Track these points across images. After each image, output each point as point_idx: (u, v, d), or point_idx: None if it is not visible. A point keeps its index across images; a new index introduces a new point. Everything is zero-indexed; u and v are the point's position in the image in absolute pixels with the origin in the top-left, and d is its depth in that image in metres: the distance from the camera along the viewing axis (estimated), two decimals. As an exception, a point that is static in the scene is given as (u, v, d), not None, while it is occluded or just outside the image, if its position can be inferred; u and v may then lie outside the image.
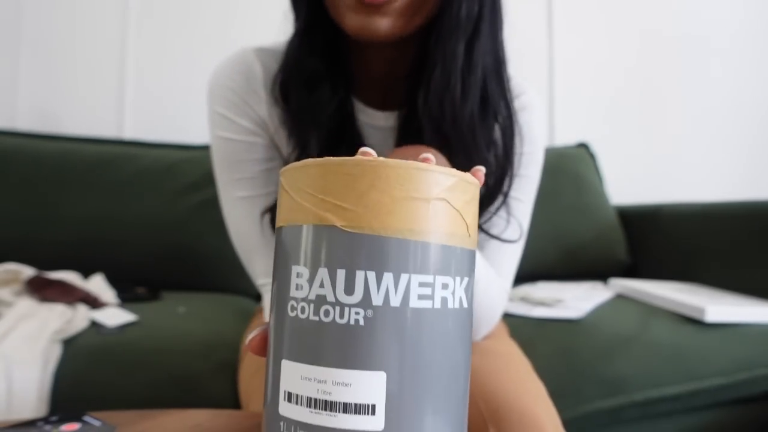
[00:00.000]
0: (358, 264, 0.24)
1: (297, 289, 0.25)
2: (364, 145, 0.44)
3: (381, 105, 0.61)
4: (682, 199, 1.42)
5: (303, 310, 0.24)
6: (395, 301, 0.24)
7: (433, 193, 0.24)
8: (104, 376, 0.74)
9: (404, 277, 0.24)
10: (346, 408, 0.23)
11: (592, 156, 1.55)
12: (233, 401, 0.74)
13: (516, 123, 0.56)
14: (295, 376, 0.24)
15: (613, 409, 0.78)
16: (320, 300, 0.24)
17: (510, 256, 0.61)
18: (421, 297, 0.24)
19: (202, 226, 1.22)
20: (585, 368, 0.81)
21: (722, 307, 0.89)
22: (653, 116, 1.78)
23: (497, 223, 0.58)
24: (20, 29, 1.49)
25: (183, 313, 0.95)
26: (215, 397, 0.74)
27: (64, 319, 0.82)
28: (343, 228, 0.24)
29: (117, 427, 0.40)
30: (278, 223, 0.27)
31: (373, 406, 0.23)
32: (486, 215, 0.56)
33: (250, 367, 0.67)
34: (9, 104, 1.48)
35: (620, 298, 1.11)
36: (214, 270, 1.21)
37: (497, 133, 0.55)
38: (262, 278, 0.61)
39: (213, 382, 0.76)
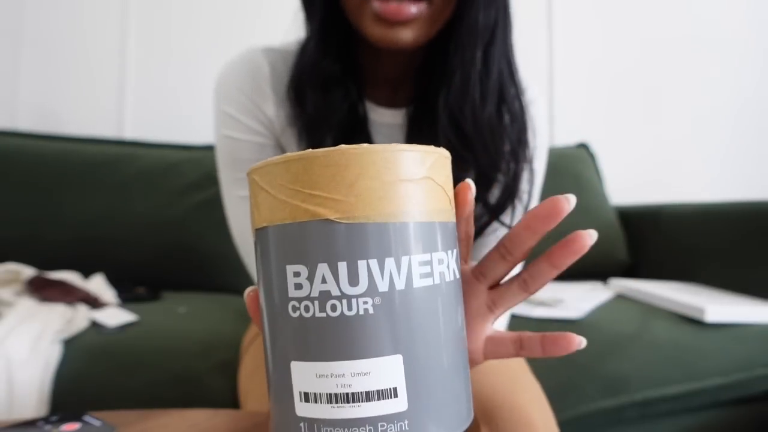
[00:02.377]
0: (359, 254, 0.23)
1: (296, 288, 0.24)
2: (374, 143, 0.44)
3: (390, 102, 0.61)
4: (682, 199, 1.42)
5: (307, 308, 0.24)
6: (400, 284, 0.24)
7: (420, 173, 0.25)
8: (104, 376, 0.74)
9: (405, 260, 0.24)
10: (368, 396, 0.23)
11: (592, 156, 1.55)
12: (233, 401, 0.74)
13: (530, 120, 0.58)
14: (309, 375, 0.24)
15: (613, 409, 0.78)
16: (325, 296, 0.24)
17: None
18: (422, 276, 0.24)
19: (202, 226, 1.22)
20: (585, 368, 0.81)
21: (722, 307, 0.89)
22: (653, 116, 1.78)
23: (509, 216, 0.58)
24: (21, 29, 1.49)
25: (183, 313, 0.95)
26: (215, 397, 0.74)
27: (65, 319, 0.82)
28: (338, 220, 0.23)
29: (117, 427, 0.40)
30: (258, 223, 0.26)
31: (395, 389, 0.23)
32: (506, 210, 0.57)
33: (248, 367, 0.67)
34: (9, 104, 1.48)
35: (620, 298, 1.11)
36: (214, 270, 1.21)
37: (509, 129, 0.57)
38: None
39: (213, 382, 0.76)
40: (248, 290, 0.29)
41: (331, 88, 0.56)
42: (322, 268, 0.24)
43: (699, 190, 1.66)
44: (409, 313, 0.24)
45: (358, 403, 0.23)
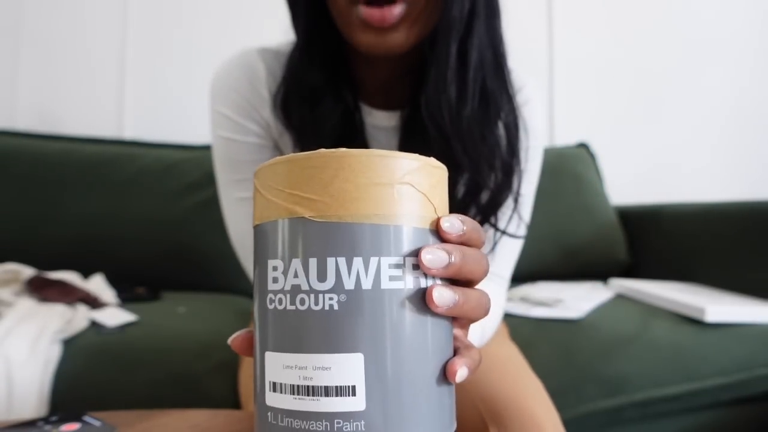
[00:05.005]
0: (328, 251, 0.24)
1: (274, 282, 0.25)
2: (370, 146, 0.44)
3: (384, 105, 0.60)
4: (682, 199, 1.42)
5: (281, 301, 0.25)
6: (366, 284, 0.24)
7: (397, 177, 0.25)
8: (104, 376, 0.74)
9: (374, 261, 0.24)
10: (327, 391, 0.24)
11: (592, 156, 1.55)
12: (233, 401, 0.74)
13: (521, 118, 0.56)
14: (278, 365, 0.25)
15: (613, 409, 0.78)
16: (295, 289, 0.25)
17: (510, 251, 0.61)
18: (392, 278, 0.24)
19: (202, 226, 1.22)
20: (585, 368, 0.81)
21: (722, 307, 0.89)
22: (653, 116, 1.78)
23: (501, 218, 0.58)
24: (20, 29, 1.49)
25: (183, 313, 0.95)
26: (215, 397, 0.74)
27: (64, 319, 0.82)
28: (312, 218, 0.24)
29: (117, 427, 0.40)
30: (254, 222, 0.28)
31: (354, 387, 0.24)
32: (496, 212, 0.56)
33: (249, 367, 0.67)
34: (9, 104, 1.48)
35: (620, 298, 1.11)
36: (214, 270, 1.21)
37: (501, 129, 0.55)
38: None
39: (213, 382, 0.76)
40: (231, 338, 0.29)
41: (317, 101, 0.55)
42: (295, 263, 0.25)
43: (699, 190, 1.66)
44: (374, 314, 0.24)
45: (317, 398, 0.24)
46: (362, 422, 0.24)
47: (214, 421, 0.43)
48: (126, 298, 1.01)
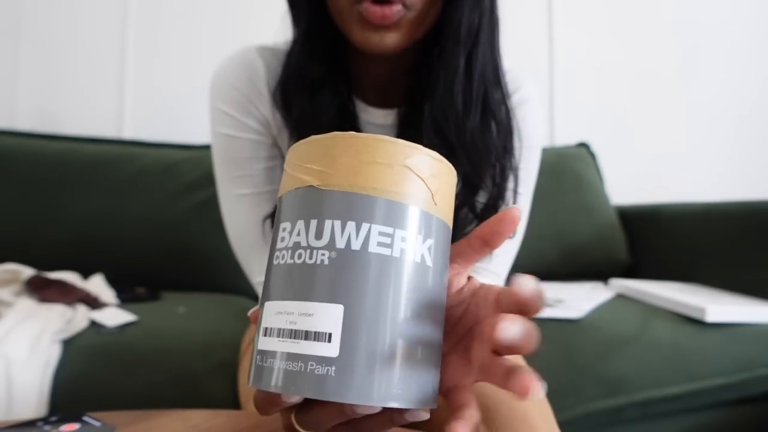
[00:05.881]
0: (327, 214, 0.27)
1: (281, 241, 0.29)
2: None
3: (380, 103, 0.61)
4: (682, 199, 1.42)
5: (283, 256, 0.28)
6: (356, 245, 0.27)
7: (397, 160, 0.28)
8: (104, 376, 0.74)
9: (365, 226, 0.27)
10: (306, 335, 0.26)
11: (592, 156, 1.55)
12: (232, 401, 0.74)
13: (516, 124, 0.57)
14: (271, 313, 0.28)
15: (613, 409, 0.78)
16: (296, 246, 0.28)
17: (507, 250, 0.62)
18: (380, 244, 0.27)
19: (202, 226, 1.22)
20: (585, 368, 0.81)
21: (723, 307, 0.89)
22: (653, 116, 1.78)
23: None
24: (20, 29, 1.49)
25: (183, 313, 0.95)
26: (215, 397, 0.74)
27: (64, 320, 0.82)
28: (318, 186, 0.28)
29: (117, 427, 0.40)
30: (278, 195, 0.31)
31: (330, 335, 0.26)
32: (492, 215, 0.56)
33: (248, 367, 0.67)
34: (9, 104, 1.48)
35: (620, 298, 1.11)
36: (214, 270, 1.21)
37: (494, 135, 0.56)
38: (259, 276, 0.61)
39: (212, 382, 0.76)
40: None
41: (317, 92, 0.56)
42: (299, 224, 0.28)
43: (699, 190, 1.66)
44: (359, 272, 0.27)
45: (297, 340, 0.26)
46: (333, 368, 0.25)
47: (214, 421, 0.43)
48: (126, 298, 1.01)
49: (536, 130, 0.63)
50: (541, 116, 0.67)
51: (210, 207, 1.19)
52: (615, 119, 1.77)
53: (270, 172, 0.60)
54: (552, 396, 0.55)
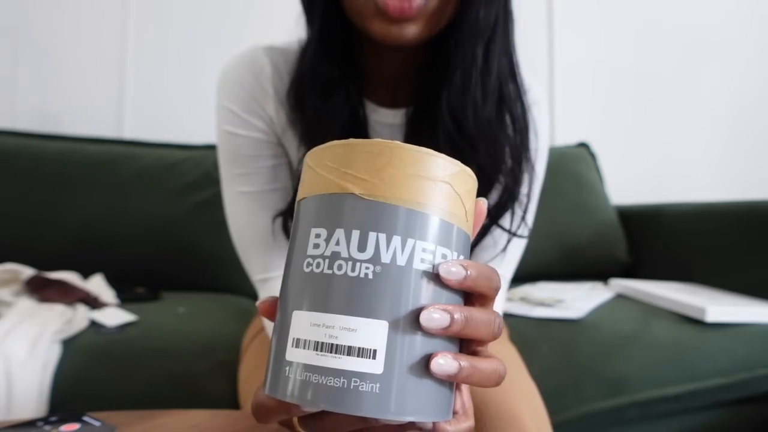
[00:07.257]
0: (371, 226, 0.27)
1: (314, 248, 0.28)
2: None
3: (389, 103, 0.61)
4: (682, 199, 1.42)
5: (318, 265, 0.27)
6: (401, 260, 0.26)
7: (439, 176, 0.28)
8: (104, 376, 0.74)
9: (410, 242, 0.27)
10: (350, 351, 0.25)
11: (592, 156, 1.55)
12: (232, 401, 0.74)
13: (532, 121, 0.57)
14: (304, 323, 0.27)
15: (613, 409, 0.78)
16: (335, 256, 0.27)
17: (514, 252, 0.62)
18: (423, 261, 0.27)
19: (202, 226, 1.22)
20: (585, 368, 0.81)
21: (723, 308, 0.89)
22: (653, 116, 1.78)
23: (507, 218, 0.58)
24: (20, 29, 1.49)
25: (183, 313, 0.95)
26: (214, 397, 0.74)
27: (64, 319, 0.82)
28: (361, 195, 0.27)
29: (117, 427, 0.40)
30: (300, 196, 0.30)
31: (375, 351, 0.25)
32: (506, 213, 0.56)
33: (248, 367, 0.67)
34: (9, 104, 1.48)
35: (620, 298, 1.11)
36: (214, 270, 1.21)
37: (511, 131, 0.56)
38: (259, 274, 0.61)
39: (212, 382, 0.76)
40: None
41: (331, 92, 0.56)
42: (339, 233, 0.27)
43: (699, 190, 1.66)
44: (403, 288, 0.26)
45: (339, 355, 0.25)
46: (378, 384, 0.25)
47: (214, 421, 0.43)
48: (126, 298, 1.01)
49: (545, 133, 0.63)
50: (548, 121, 0.67)
51: (210, 207, 1.19)
52: (615, 119, 1.77)
53: (272, 170, 0.60)
54: (552, 396, 0.55)
